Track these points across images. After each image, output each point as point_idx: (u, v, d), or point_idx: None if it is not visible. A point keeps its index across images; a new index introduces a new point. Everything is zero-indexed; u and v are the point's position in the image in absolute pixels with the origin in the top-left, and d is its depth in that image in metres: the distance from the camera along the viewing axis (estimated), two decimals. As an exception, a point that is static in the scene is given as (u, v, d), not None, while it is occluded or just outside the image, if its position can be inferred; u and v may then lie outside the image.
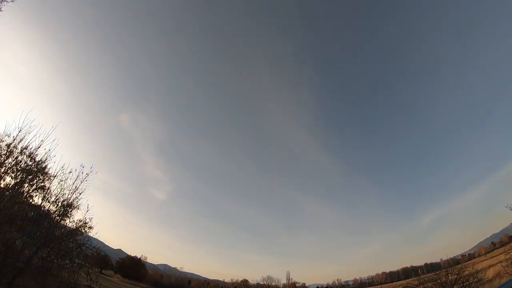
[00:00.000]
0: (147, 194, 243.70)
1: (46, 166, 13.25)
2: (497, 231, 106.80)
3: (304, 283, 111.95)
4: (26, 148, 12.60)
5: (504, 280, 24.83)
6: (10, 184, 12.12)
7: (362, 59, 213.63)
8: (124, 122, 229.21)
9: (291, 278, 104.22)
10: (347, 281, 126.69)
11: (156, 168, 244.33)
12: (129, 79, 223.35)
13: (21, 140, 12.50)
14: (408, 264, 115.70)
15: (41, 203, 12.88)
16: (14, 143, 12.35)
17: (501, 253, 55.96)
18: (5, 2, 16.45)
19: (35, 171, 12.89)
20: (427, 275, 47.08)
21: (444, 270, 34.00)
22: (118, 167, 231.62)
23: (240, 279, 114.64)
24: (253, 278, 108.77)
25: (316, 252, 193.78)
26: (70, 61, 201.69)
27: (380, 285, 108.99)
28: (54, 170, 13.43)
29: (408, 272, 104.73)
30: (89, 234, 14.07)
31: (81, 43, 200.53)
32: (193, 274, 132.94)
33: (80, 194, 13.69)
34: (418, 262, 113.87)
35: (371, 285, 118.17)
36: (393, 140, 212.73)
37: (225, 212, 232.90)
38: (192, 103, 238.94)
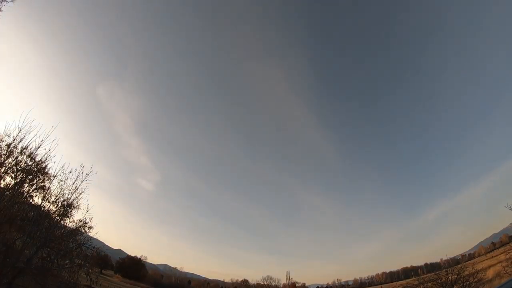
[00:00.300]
0: (134, 184, 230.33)
1: (46, 166, 13.27)
2: (497, 231, 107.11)
3: (304, 283, 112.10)
4: (26, 148, 12.60)
5: (504, 280, 24.81)
6: (10, 184, 12.12)
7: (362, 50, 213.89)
8: (101, 96, 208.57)
9: (291, 278, 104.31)
10: (347, 281, 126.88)
11: (141, 153, 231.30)
12: (105, 46, 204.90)
13: (21, 140, 12.51)
14: (408, 264, 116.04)
15: (41, 203, 12.88)
16: (14, 143, 12.35)
17: (501, 253, 55.98)
18: (5, 2, 16.44)
19: (35, 171, 12.89)
20: (427, 275, 47.01)
21: (444, 270, 33.94)
22: (99, 151, 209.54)
23: (240, 279, 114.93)
24: (253, 278, 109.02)
25: (316, 251, 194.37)
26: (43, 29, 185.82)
27: (380, 285, 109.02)
28: (54, 170, 13.45)
29: (408, 272, 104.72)
30: (89, 234, 14.08)
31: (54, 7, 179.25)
32: (193, 274, 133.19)
33: (80, 194, 13.71)
34: (418, 262, 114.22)
35: (371, 285, 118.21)
36: (394, 141, 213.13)
37: (220, 207, 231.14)
38: (173, 76, 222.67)
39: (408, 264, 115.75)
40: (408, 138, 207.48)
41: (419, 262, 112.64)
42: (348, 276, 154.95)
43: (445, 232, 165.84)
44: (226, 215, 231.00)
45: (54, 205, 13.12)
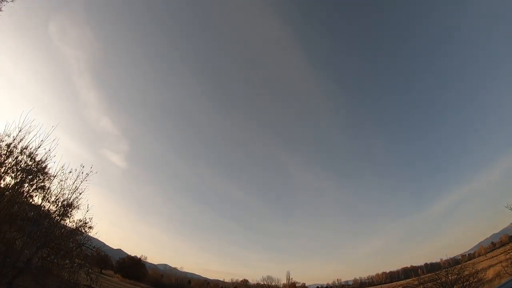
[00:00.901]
0: (101, 157, 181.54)
1: (46, 166, 13.29)
2: (497, 231, 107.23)
3: (304, 283, 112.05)
4: (26, 148, 12.62)
5: (504, 280, 24.79)
6: (10, 184, 12.13)
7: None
8: (52, 33, 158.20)
9: (291, 278, 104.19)
10: (347, 281, 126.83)
11: (102, 113, 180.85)
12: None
13: (21, 140, 12.52)
14: (408, 264, 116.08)
15: (41, 203, 12.89)
16: (14, 143, 12.36)
17: (501, 253, 55.85)
18: (5, 2, 16.45)
19: (35, 171, 12.89)
20: (427, 275, 47.11)
21: (444, 270, 34.00)
22: (57, 110, 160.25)
23: (240, 278, 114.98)
24: (253, 278, 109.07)
25: (316, 251, 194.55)
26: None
27: (380, 285, 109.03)
28: (54, 170, 13.47)
29: (408, 272, 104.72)
30: (89, 234, 14.11)
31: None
32: (193, 274, 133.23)
33: (80, 194, 13.72)
34: (418, 262, 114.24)
35: (371, 285, 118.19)
36: (395, 140, 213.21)
37: (212, 197, 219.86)
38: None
39: (408, 264, 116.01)
40: (409, 138, 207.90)
41: (419, 262, 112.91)
42: (348, 276, 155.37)
43: (445, 232, 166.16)
44: (225, 213, 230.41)
45: (54, 205, 13.13)
